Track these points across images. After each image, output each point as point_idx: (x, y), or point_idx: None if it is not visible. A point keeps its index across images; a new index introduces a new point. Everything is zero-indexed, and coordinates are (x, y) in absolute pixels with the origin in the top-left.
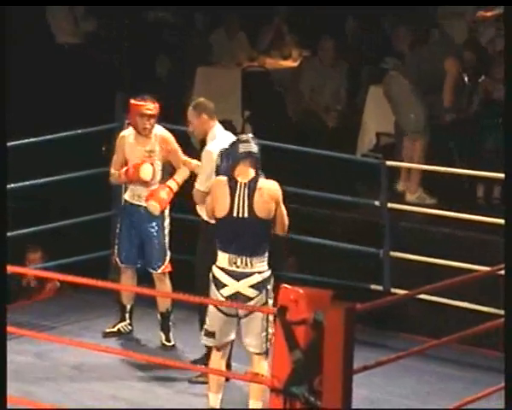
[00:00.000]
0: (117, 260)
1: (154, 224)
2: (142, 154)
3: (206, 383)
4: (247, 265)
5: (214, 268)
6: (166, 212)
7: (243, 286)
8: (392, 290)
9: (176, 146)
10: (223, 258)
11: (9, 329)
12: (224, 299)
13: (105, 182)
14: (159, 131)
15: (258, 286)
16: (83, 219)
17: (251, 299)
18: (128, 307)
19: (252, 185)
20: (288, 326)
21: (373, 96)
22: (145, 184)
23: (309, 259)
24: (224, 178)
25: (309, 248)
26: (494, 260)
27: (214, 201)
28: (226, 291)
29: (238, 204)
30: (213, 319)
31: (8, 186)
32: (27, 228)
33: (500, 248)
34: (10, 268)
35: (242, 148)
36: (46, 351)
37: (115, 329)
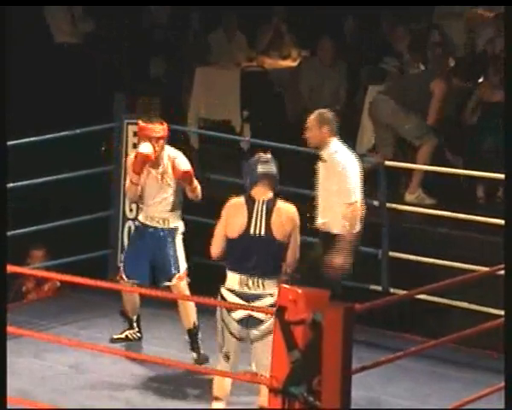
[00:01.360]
0: (122, 275)
1: (166, 237)
2: (155, 176)
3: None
4: (258, 286)
5: (223, 290)
6: (180, 223)
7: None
8: (391, 291)
9: (192, 178)
10: (233, 279)
11: (8, 329)
12: (235, 323)
13: (104, 181)
14: (171, 153)
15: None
16: (82, 218)
17: (262, 322)
18: (134, 318)
19: (270, 204)
20: (286, 326)
21: (372, 96)
22: (149, 162)
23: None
24: (241, 198)
25: (307, 248)
26: (493, 261)
27: (228, 220)
28: (238, 314)
29: (256, 221)
30: (228, 342)
31: (8, 185)
32: (26, 227)
33: (499, 249)
34: (10, 268)
35: (262, 168)
36: (44, 351)
37: (123, 335)
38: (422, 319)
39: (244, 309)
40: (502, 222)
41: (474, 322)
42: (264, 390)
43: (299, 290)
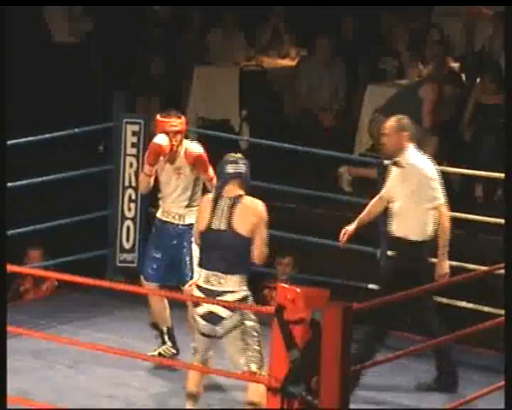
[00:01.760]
0: (141, 277)
1: (183, 235)
2: (171, 171)
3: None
4: (220, 283)
5: (193, 286)
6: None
7: (215, 305)
8: None
9: (206, 163)
10: (200, 275)
11: (7, 328)
12: (201, 320)
13: (102, 181)
14: (189, 146)
15: (230, 307)
16: (80, 217)
17: (223, 319)
18: (165, 329)
19: (236, 200)
20: (285, 326)
21: (370, 95)
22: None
23: (306, 258)
24: (211, 195)
25: (306, 248)
26: (492, 260)
27: (198, 215)
28: (201, 310)
29: (218, 216)
30: (197, 339)
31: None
32: (25, 227)
33: (498, 248)
34: (8, 267)
35: (231, 168)
36: (43, 350)
37: (156, 353)
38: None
39: (244, 309)
40: (500, 221)
41: (472, 321)
42: (252, 387)
43: (298, 290)
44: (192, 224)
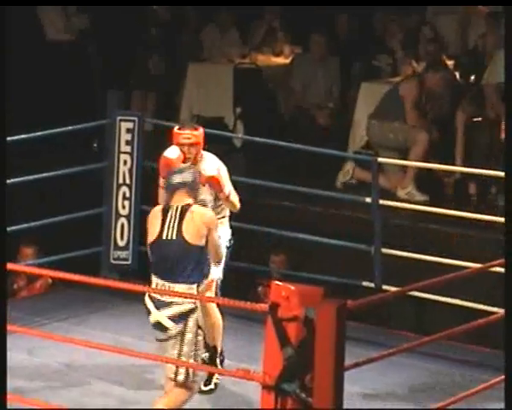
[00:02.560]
0: None
1: None
2: None
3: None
4: (167, 294)
5: (146, 295)
6: (221, 231)
7: (161, 316)
8: (384, 287)
9: (225, 180)
10: (152, 284)
11: None
12: (152, 327)
13: (97, 178)
14: (205, 165)
15: (174, 318)
16: (74, 215)
17: (168, 330)
18: (219, 348)
19: (184, 209)
20: (279, 323)
21: (364, 92)
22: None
23: (300, 256)
24: (159, 207)
25: (300, 245)
26: (486, 257)
27: (148, 228)
28: (151, 319)
29: (168, 226)
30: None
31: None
32: (18, 224)
33: (492, 245)
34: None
35: (176, 178)
36: (37, 348)
37: (212, 385)
38: (414, 316)
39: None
40: (494, 219)
41: (466, 319)
42: (168, 387)
43: (292, 287)
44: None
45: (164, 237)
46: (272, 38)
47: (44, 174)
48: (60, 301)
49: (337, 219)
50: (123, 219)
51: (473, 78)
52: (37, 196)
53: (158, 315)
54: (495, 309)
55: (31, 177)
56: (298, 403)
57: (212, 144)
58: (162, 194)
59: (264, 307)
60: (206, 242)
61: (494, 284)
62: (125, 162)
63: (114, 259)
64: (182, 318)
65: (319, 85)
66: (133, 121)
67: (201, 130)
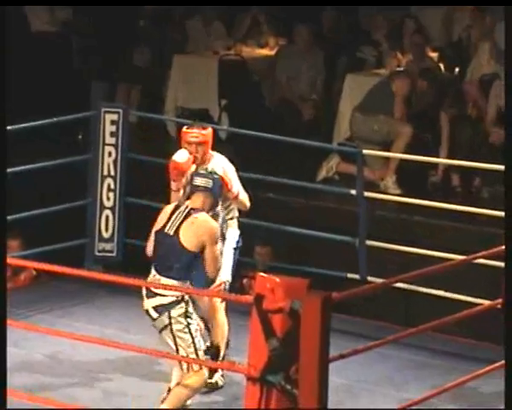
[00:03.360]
0: None
1: None
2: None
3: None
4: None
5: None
6: (229, 233)
7: (149, 305)
8: (369, 279)
9: (233, 179)
10: (150, 274)
11: None
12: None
13: (81, 170)
14: (218, 160)
15: (157, 308)
16: (59, 207)
17: (154, 320)
18: (223, 347)
19: (190, 212)
20: (264, 315)
21: (349, 84)
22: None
23: (285, 248)
24: (174, 203)
25: (285, 237)
26: (470, 249)
27: (159, 217)
28: (143, 307)
29: (172, 221)
30: None
31: None
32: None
33: (476, 237)
34: None
35: (196, 181)
36: (21, 340)
37: (213, 381)
38: (399, 308)
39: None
40: (477, 211)
41: (451, 310)
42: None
43: (277, 279)
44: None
45: (165, 230)
46: (257, 30)
47: (29, 166)
48: (44, 293)
49: (322, 212)
50: (107, 211)
51: (457, 70)
52: (21, 188)
53: (146, 304)
54: (479, 301)
55: (15, 169)
56: (283, 395)
57: None
58: (173, 196)
59: (249, 298)
60: (203, 250)
61: (478, 276)
62: (110, 154)
63: (99, 251)
64: (163, 309)
65: (304, 77)
66: (118, 113)
67: (210, 129)
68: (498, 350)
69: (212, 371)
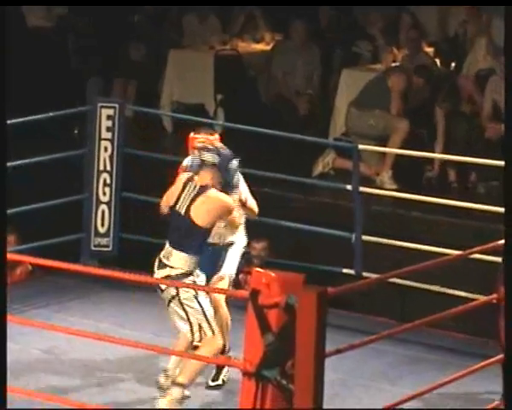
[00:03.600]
0: None
1: (220, 252)
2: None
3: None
4: (167, 258)
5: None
6: (237, 238)
7: (158, 276)
8: (365, 274)
9: (240, 186)
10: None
11: None
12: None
13: (77, 165)
14: None
15: (166, 279)
16: (55, 202)
17: (162, 291)
18: (227, 343)
19: (201, 190)
20: (260, 310)
21: (345, 79)
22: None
23: (281, 243)
24: (186, 175)
25: (281, 232)
26: (466, 244)
27: (171, 190)
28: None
29: (183, 199)
30: None
31: None
32: None
33: (472, 232)
34: None
35: (206, 156)
36: (17, 334)
37: (220, 381)
38: (395, 303)
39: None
40: (473, 206)
41: (446, 305)
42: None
43: (273, 274)
44: (233, 242)
45: (176, 208)
46: (253, 25)
47: (25, 161)
48: (40, 287)
49: (318, 207)
50: (103, 206)
51: (453, 65)
52: (17, 183)
53: (156, 275)
54: (475, 296)
55: (11, 163)
56: (279, 390)
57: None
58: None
59: (244, 293)
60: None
61: (474, 271)
62: (106, 149)
63: (95, 246)
64: (171, 280)
65: (300, 72)
66: (114, 108)
67: (217, 135)
68: (494, 345)
69: (219, 371)
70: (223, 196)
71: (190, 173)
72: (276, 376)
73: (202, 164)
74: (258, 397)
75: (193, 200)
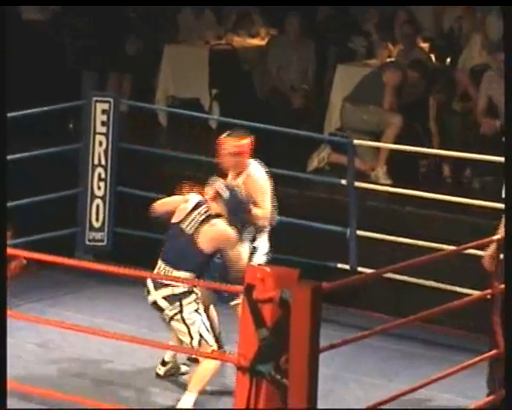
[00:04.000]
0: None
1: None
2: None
3: None
4: (166, 275)
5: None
6: (259, 243)
7: (158, 296)
8: (359, 269)
9: (262, 190)
10: (157, 265)
11: None
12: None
13: (72, 159)
14: (252, 170)
15: (169, 299)
16: (49, 196)
17: (163, 310)
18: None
19: (207, 219)
20: (254, 305)
21: (341, 75)
22: None
23: (275, 237)
24: (197, 198)
25: (275, 227)
26: (460, 239)
27: (180, 207)
28: (149, 299)
29: (191, 220)
30: None
31: None
32: None
33: (466, 227)
34: None
35: (222, 190)
36: (11, 329)
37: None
38: (389, 298)
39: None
40: (468, 201)
41: (440, 301)
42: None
43: (268, 269)
44: (255, 248)
45: (183, 226)
46: (248, 20)
47: (20, 155)
48: (34, 282)
49: (312, 202)
50: (98, 201)
51: (448, 60)
52: (12, 177)
53: (154, 295)
54: (470, 291)
55: (6, 158)
56: (273, 385)
57: (187, 125)
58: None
59: (239, 288)
60: (217, 252)
61: (469, 267)
62: (101, 143)
63: (90, 240)
64: (175, 299)
65: (295, 67)
66: (109, 102)
67: (248, 139)
68: (488, 341)
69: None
70: (228, 229)
71: (199, 198)
72: (270, 371)
73: (218, 195)
74: (252, 392)
75: (201, 224)
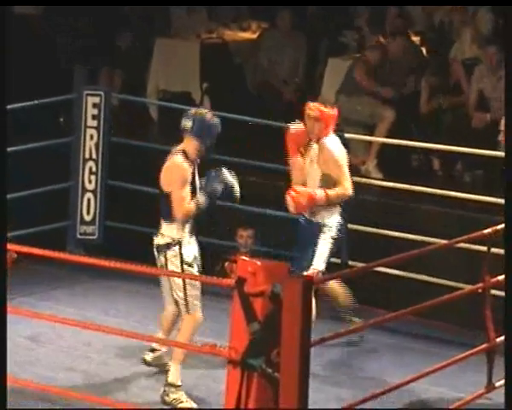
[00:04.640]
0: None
1: (311, 230)
2: (302, 164)
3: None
4: (160, 227)
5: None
6: (330, 219)
7: (154, 243)
8: (350, 263)
9: (338, 164)
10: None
11: None
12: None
13: (63, 153)
14: (329, 141)
15: (158, 247)
16: (40, 190)
17: (157, 258)
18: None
19: (169, 156)
20: (245, 298)
21: (332, 68)
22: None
23: (267, 231)
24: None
25: (267, 221)
26: (451, 233)
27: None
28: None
29: None
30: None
31: None
32: None
33: (456, 221)
34: None
35: (182, 122)
36: None
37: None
38: (381, 292)
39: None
40: (459, 195)
41: (432, 294)
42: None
43: (259, 263)
44: (324, 224)
45: None
46: (239, 14)
47: (10, 149)
48: (25, 276)
49: None
50: (89, 194)
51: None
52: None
53: (154, 242)
54: (460, 285)
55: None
56: (264, 378)
57: (178, 119)
58: (294, 175)
59: (230, 282)
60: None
61: (459, 260)
62: (92, 137)
63: (81, 234)
64: (162, 249)
65: (286, 61)
66: (100, 96)
67: (334, 111)
68: (480, 335)
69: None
70: (181, 164)
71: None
72: (261, 364)
73: (182, 131)
74: (243, 386)
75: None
